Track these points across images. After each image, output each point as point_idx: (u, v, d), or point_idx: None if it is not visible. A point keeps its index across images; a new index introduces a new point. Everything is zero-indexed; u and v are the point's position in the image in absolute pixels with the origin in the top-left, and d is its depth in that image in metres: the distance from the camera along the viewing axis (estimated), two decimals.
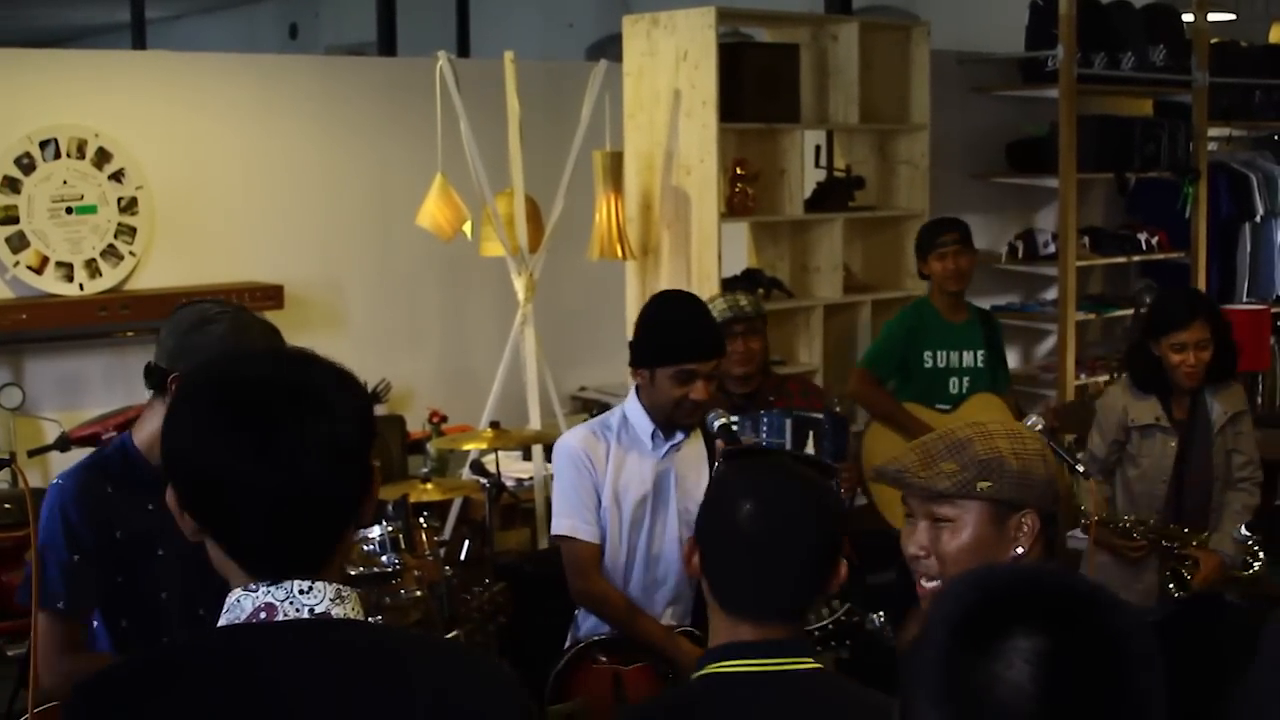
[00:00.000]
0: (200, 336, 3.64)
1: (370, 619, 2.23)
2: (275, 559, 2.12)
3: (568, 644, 4.96)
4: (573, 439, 4.92)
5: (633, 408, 4.92)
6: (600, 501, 4.85)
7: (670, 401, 4.79)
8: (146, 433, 3.68)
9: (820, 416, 5.63)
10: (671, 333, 4.82)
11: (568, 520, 4.84)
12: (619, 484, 4.87)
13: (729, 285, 7.70)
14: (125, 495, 3.65)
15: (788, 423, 5.53)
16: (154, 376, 3.69)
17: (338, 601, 2.12)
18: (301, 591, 2.11)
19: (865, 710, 2.71)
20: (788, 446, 5.45)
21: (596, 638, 4.83)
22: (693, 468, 4.98)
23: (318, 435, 2.09)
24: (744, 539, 2.76)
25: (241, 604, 2.11)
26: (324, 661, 2.08)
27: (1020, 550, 2.87)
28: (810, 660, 2.76)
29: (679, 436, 4.94)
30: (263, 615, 2.09)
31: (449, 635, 4.60)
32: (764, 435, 5.50)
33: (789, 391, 6.07)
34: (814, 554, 2.80)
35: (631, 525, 4.88)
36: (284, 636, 2.09)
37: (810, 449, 5.48)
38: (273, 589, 2.10)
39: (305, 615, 2.09)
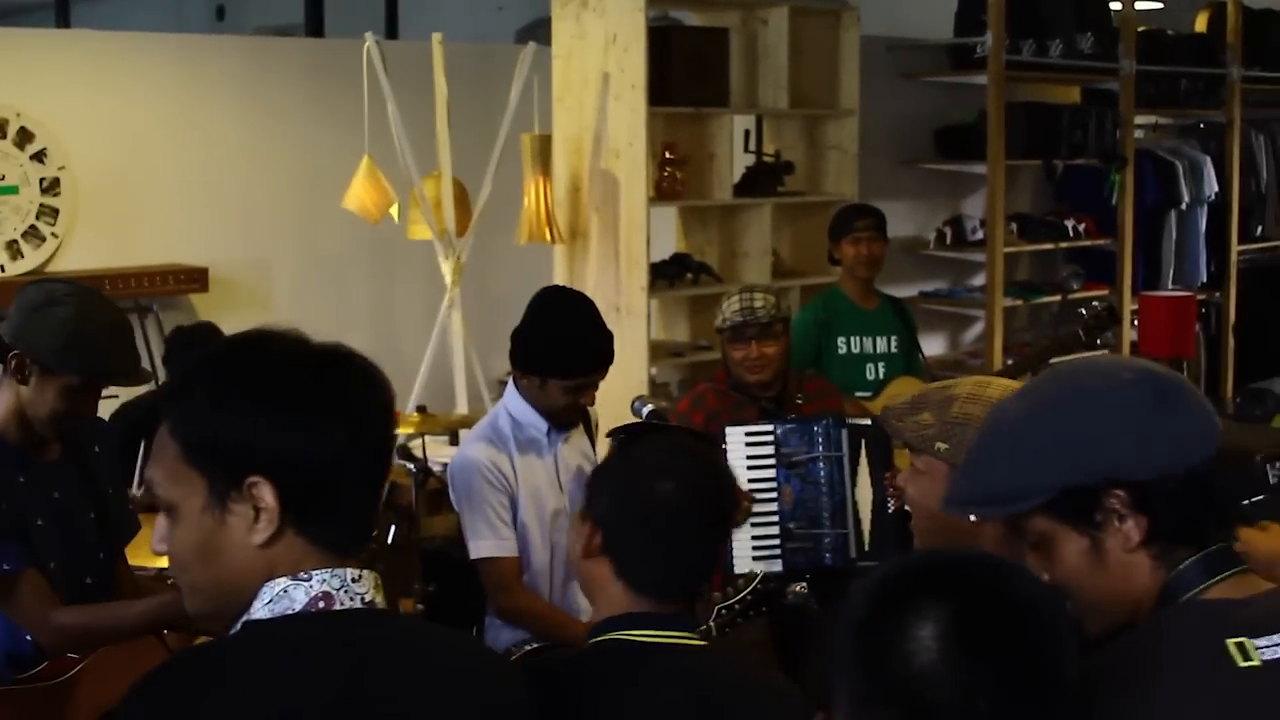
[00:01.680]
0: (44, 318, 3.63)
1: None
2: (358, 535, 2.12)
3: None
4: (475, 454, 4.79)
5: (518, 406, 4.85)
6: (516, 512, 4.77)
7: (560, 408, 4.77)
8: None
9: (869, 424, 5.38)
10: (567, 350, 4.75)
11: (487, 541, 4.73)
12: (531, 489, 4.81)
13: (658, 270, 7.69)
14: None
15: (844, 434, 5.33)
16: None
17: (378, 589, 2.10)
18: (354, 579, 2.07)
19: (751, 691, 2.75)
20: (845, 459, 5.30)
21: (528, 647, 4.75)
22: (579, 451, 4.98)
23: (381, 405, 2.17)
24: (663, 518, 2.73)
25: (291, 594, 2.03)
26: (409, 651, 2.08)
27: (973, 518, 2.82)
28: (698, 638, 2.78)
29: (567, 427, 4.93)
30: (321, 605, 2.03)
31: None
32: (820, 448, 5.33)
33: (808, 393, 5.80)
34: (723, 531, 2.88)
35: (549, 524, 4.84)
36: (361, 627, 2.06)
37: (864, 458, 5.35)
38: (328, 577, 2.05)
39: (359, 605, 2.06)
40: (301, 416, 2.06)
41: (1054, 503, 2.16)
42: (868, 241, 6.82)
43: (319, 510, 2.06)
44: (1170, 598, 2.13)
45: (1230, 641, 2.03)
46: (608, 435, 3.74)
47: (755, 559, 5.16)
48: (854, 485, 5.25)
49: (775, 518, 5.28)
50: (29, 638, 3.75)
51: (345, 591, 2.05)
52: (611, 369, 4.80)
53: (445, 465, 7.63)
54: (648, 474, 2.80)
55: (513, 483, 4.77)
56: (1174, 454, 2.12)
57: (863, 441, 5.32)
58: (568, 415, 4.84)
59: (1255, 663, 2.01)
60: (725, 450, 5.27)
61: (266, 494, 2.03)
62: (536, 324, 4.87)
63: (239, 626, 2.05)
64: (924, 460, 2.89)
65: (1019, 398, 2.32)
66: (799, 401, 5.70)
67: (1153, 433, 2.12)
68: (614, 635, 2.71)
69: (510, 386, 4.91)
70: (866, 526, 5.25)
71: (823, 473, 5.31)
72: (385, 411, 2.17)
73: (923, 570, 1.84)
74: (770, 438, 5.36)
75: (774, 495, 5.30)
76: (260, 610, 2.04)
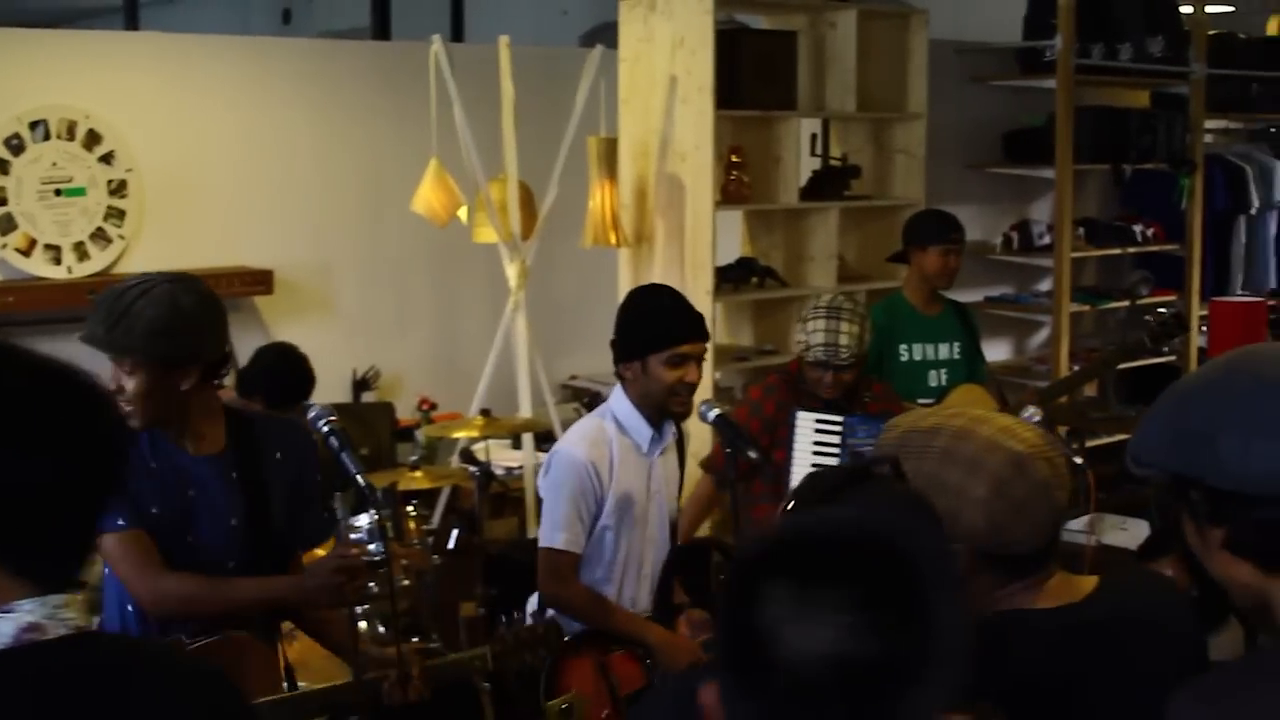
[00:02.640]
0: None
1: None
2: (70, 564, 2.01)
3: None
4: (578, 452, 4.85)
5: (623, 409, 4.92)
6: (601, 511, 4.87)
7: (664, 389, 4.80)
8: None
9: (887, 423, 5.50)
10: (660, 319, 4.86)
11: (563, 534, 4.82)
12: (623, 490, 4.89)
13: (723, 274, 7.66)
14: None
15: None
16: None
17: (83, 613, 2.00)
18: (60, 605, 1.96)
19: None
20: None
21: (566, 637, 4.81)
22: (671, 463, 5.11)
23: (99, 431, 2.01)
24: None
25: (1, 628, 1.93)
26: (121, 675, 2.00)
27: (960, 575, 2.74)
28: None
29: (668, 436, 5.02)
30: (31, 636, 1.93)
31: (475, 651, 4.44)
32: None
33: (875, 394, 5.96)
34: None
35: (633, 526, 4.94)
36: (76, 652, 1.97)
37: None
38: (34, 606, 1.94)
39: (66, 631, 1.95)
40: (3, 444, 1.94)
41: (1171, 479, 2.16)
42: (956, 254, 6.81)
43: (24, 541, 1.96)
44: None
45: None
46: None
47: None
48: None
49: None
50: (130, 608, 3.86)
51: (54, 620, 1.95)
52: None
53: (508, 469, 7.68)
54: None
55: (605, 485, 4.86)
56: (1270, 471, 2.05)
57: None
58: (673, 401, 4.85)
59: None
60: (794, 433, 5.49)
61: None
62: (625, 313, 4.99)
63: None
64: None
65: (1200, 368, 2.26)
66: (866, 400, 5.85)
67: (1263, 446, 2.06)
68: None
69: (617, 390, 4.97)
70: None
71: None
72: (104, 438, 2.02)
73: (804, 544, 1.79)
74: (839, 426, 5.52)
75: None
76: None
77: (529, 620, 4.91)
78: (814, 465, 5.38)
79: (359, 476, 3.73)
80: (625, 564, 4.98)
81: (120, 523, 3.73)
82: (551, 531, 4.83)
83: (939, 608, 1.75)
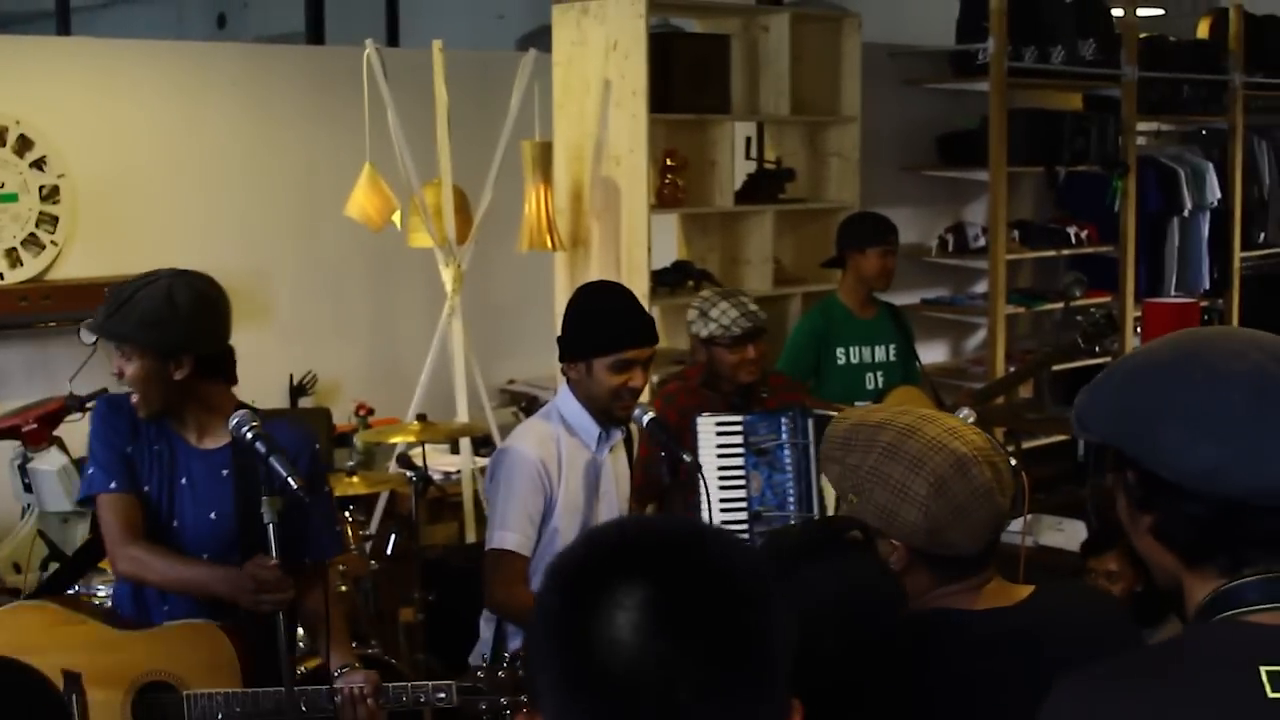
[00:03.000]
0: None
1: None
2: None
3: (493, 642, 4.90)
4: (527, 450, 4.73)
5: (570, 407, 4.82)
6: (551, 512, 4.73)
7: (608, 392, 4.70)
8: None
9: (835, 415, 5.53)
10: (607, 321, 4.73)
11: (513, 535, 4.66)
12: (571, 492, 4.78)
13: (659, 277, 7.67)
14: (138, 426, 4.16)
15: (810, 422, 5.44)
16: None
17: None
18: None
19: None
20: (811, 446, 5.39)
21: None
22: (621, 462, 5.02)
23: None
24: None
25: None
26: None
27: (895, 567, 2.72)
28: None
29: (616, 435, 4.91)
30: None
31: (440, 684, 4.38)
32: (785, 436, 5.45)
33: (771, 386, 5.99)
34: None
35: (582, 528, 4.77)
36: None
37: None
38: None
39: None
40: None
41: (1112, 452, 2.16)
42: (893, 255, 6.88)
43: None
44: (1217, 609, 2.09)
45: (1265, 669, 1.98)
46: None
47: None
48: (819, 473, 5.30)
49: (744, 504, 5.44)
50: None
51: None
52: None
53: (446, 474, 7.66)
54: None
55: (555, 485, 4.74)
56: (1207, 470, 2.05)
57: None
58: (616, 405, 4.74)
59: None
60: (697, 440, 5.42)
61: None
62: (573, 310, 4.84)
63: None
64: (845, 506, 2.78)
65: (1155, 342, 2.25)
66: (764, 396, 5.88)
67: (1206, 447, 2.06)
68: None
69: (563, 388, 4.88)
70: (831, 511, 5.29)
71: (789, 459, 5.45)
72: None
73: (616, 550, 1.72)
74: (739, 427, 5.50)
75: (743, 482, 5.45)
76: None
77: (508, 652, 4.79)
78: (720, 469, 5.41)
79: (290, 479, 3.71)
80: None
81: (113, 485, 4.05)
82: (500, 533, 4.67)
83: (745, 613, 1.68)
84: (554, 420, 4.83)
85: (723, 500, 5.35)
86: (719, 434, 5.50)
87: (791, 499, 5.42)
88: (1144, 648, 2.15)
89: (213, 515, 4.09)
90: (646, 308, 7.22)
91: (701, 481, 4.83)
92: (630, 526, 1.77)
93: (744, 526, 5.39)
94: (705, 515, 4.79)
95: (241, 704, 3.90)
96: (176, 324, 4.00)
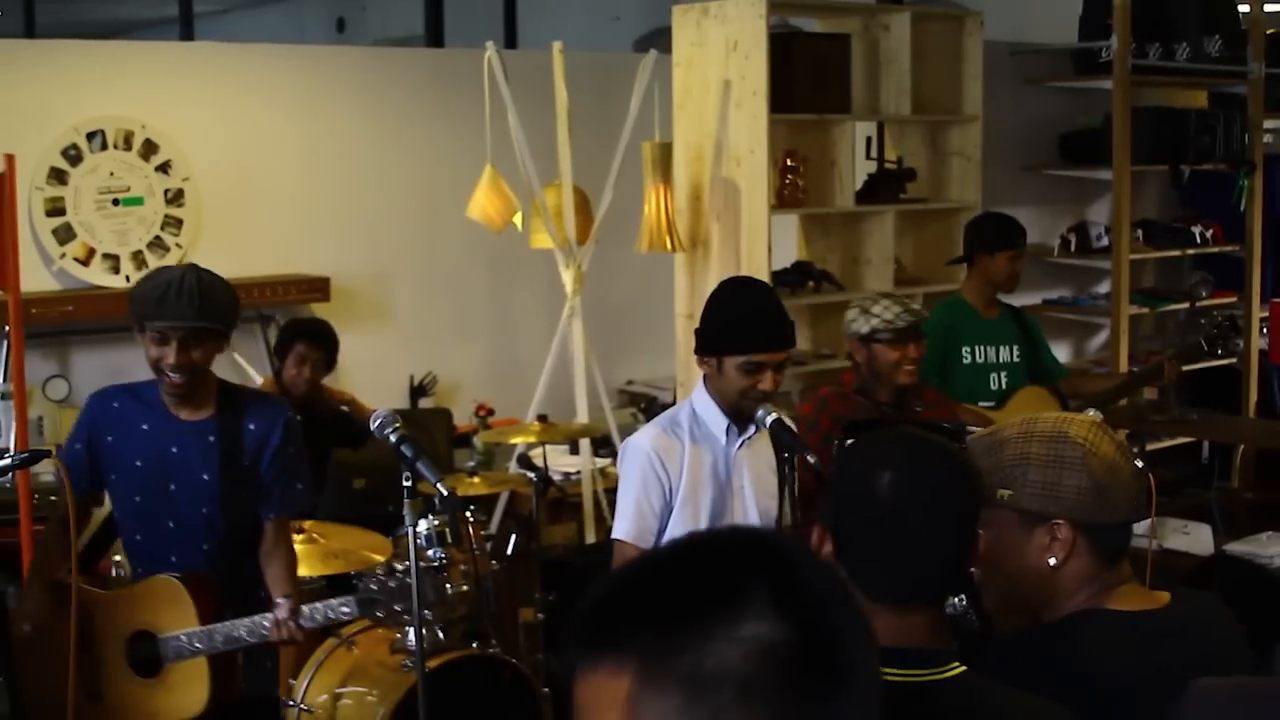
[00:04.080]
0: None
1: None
2: None
3: None
4: (644, 440, 4.76)
5: (702, 401, 4.81)
6: (670, 504, 4.73)
7: (736, 391, 4.67)
8: None
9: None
10: (742, 322, 4.70)
11: (627, 524, 4.70)
12: (695, 481, 4.75)
13: (779, 278, 7.64)
14: (124, 415, 4.66)
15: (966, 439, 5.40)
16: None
17: None
18: None
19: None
20: None
21: None
22: (763, 460, 4.88)
23: None
24: (886, 514, 2.43)
25: None
26: None
27: (1053, 561, 2.70)
28: (956, 664, 2.42)
29: (751, 430, 4.83)
30: None
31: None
32: None
33: (925, 400, 5.90)
34: (960, 526, 2.49)
35: (712, 521, 4.76)
36: None
37: None
38: None
39: None
40: None
41: None
42: (1022, 259, 6.80)
43: None
44: None
45: None
46: (834, 438, 3.68)
47: None
48: None
49: None
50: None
51: None
52: None
53: (566, 474, 7.69)
54: (868, 468, 2.51)
55: (676, 473, 4.72)
56: None
57: None
58: (744, 404, 4.70)
59: None
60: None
61: None
62: (713, 305, 4.81)
63: None
64: (987, 514, 2.66)
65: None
66: (918, 410, 5.75)
67: None
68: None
69: (699, 384, 4.85)
70: None
71: None
72: None
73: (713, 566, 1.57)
74: None
75: None
76: None
77: None
78: None
79: (439, 484, 3.89)
80: None
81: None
82: (618, 521, 4.73)
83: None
84: (684, 411, 4.83)
85: None
86: None
87: None
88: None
89: (205, 477, 4.56)
90: None
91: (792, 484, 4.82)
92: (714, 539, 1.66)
93: None
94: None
95: (201, 639, 4.46)
96: (237, 307, 4.59)
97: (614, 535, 4.75)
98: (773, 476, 4.81)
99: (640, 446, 4.75)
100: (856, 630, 1.55)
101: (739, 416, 4.76)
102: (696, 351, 4.79)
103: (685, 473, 4.73)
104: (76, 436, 4.68)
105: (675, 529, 4.73)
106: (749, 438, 4.82)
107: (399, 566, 4.52)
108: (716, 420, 4.77)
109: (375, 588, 4.46)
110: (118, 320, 7.67)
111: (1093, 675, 2.62)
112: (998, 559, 2.75)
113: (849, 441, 3.26)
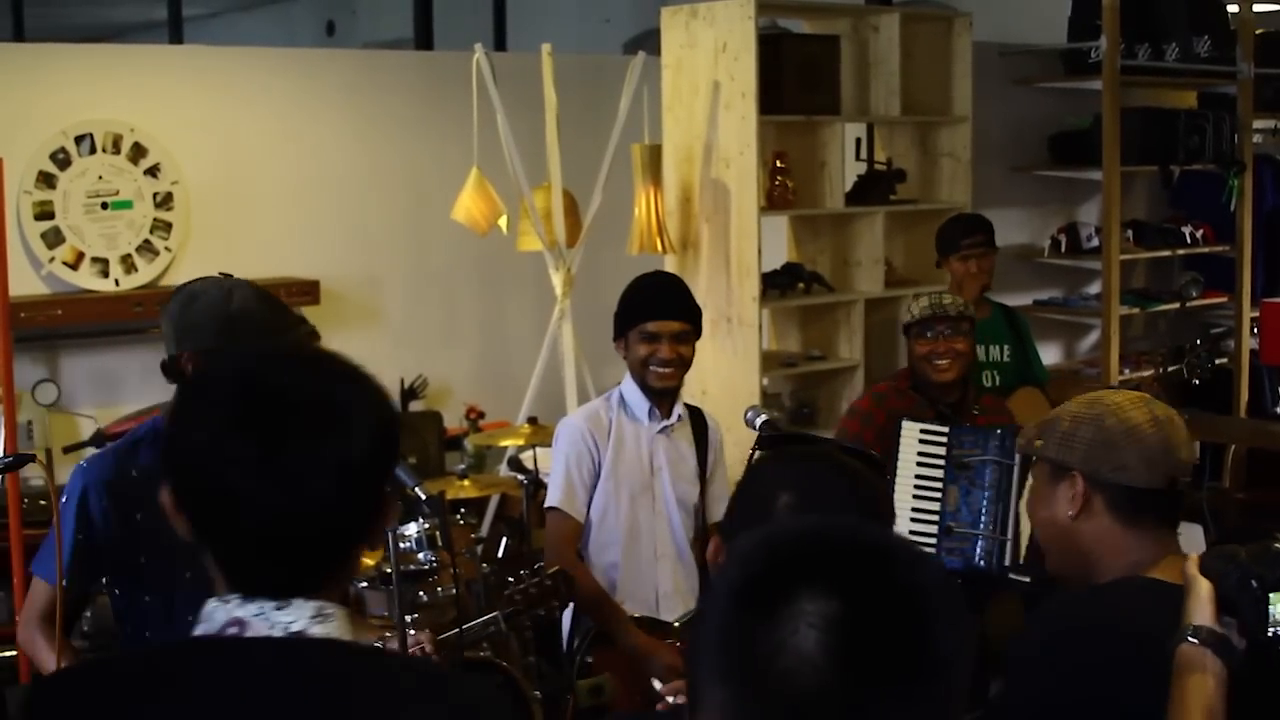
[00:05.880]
0: (193, 314, 3.76)
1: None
2: (266, 576, 2.01)
3: (570, 628, 5.21)
4: (577, 417, 5.27)
5: (628, 385, 5.22)
6: (599, 477, 5.13)
7: (638, 362, 5.12)
8: None
9: None
10: (637, 295, 5.22)
11: (557, 493, 5.09)
12: (617, 461, 5.14)
13: (769, 279, 7.64)
14: (152, 478, 3.66)
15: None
16: (169, 371, 3.78)
17: (319, 619, 2.00)
18: (277, 608, 1.99)
19: None
20: (1016, 469, 5.40)
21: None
22: (682, 450, 5.29)
23: (328, 454, 1.99)
24: None
25: (214, 616, 2.00)
26: (273, 684, 1.95)
27: (1070, 514, 2.88)
28: None
29: (674, 417, 5.24)
30: (232, 630, 1.98)
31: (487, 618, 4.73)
32: (992, 453, 5.49)
33: (984, 405, 6.04)
34: None
35: (631, 498, 5.16)
36: (246, 653, 1.97)
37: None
38: (245, 603, 1.99)
39: (278, 633, 1.97)
40: (214, 428, 2.03)
41: None
42: (977, 258, 6.86)
43: (215, 532, 2.06)
44: None
45: None
46: (753, 447, 3.75)
47: None
48: (1019, 497, 5.30)
49: (936, 516, 5.47)
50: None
51: (262, 618, 1.98)
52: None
53: None
54: (769, 485, 2.59)
55: (602, 451, 5.13)
56: None
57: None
58: (649, 376, 5.12)
59: None
60: (899, 443, 5.52)
61: (168, 497, 2.08)
62: (621, 295, 5.32)
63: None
64: (1034, 468, 3.00)
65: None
66: (976, 412, 5.90)
67: None
68: None
69: (627, 373, 5.25)
70: (1025, 541, 5.29)
71: (990, 478, 5.45)
72: (337, 465, 2.03)
73: (799, 558, 1.61)
74: (944, 438, 5.54)
75: (939, 494, 5.48)
76: (199, 627, 2.02)
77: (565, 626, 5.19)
78: (917, 477, 5.47)
79: (417, 489, 3.84)
80: (635, 541, 5.17)
81: (35, 571, 3.93)
82: (551, 491, 5.12)
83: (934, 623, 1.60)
84: (613, 398, 5.24)
85: (915, 510, 5.43)
86: (922, 441, 5.56)
87: (985, 518, 5.39)
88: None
89: None
90: (757, 310, 7.26)
91: (892, 487, 5.04)
92: (815, 531, 1.69)
93: (933, 540, 5.42)
94: None
95: None
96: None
97: (551, 504, 5.11)
98: (693, 464, 5.26)
99: (573, 423, 5.25)
100: None
101: (660, 399, 5.18)
102: (613, 340, 5.23)
103: (611, 450, 5.15)
104: (71, 531, 3.85)
105: (600, 499, 5.14)
106: (669, 425, 5.22)
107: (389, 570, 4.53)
108: (639, 403, 5.19)
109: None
110: (106, 324, 7.70)
111: (1123, 635, 2.74)
112: (1035, 511, 3.01)
113: (757, 455, 3.32)
